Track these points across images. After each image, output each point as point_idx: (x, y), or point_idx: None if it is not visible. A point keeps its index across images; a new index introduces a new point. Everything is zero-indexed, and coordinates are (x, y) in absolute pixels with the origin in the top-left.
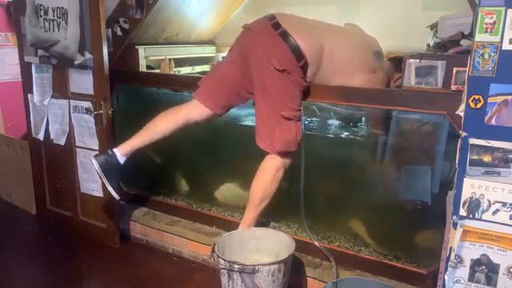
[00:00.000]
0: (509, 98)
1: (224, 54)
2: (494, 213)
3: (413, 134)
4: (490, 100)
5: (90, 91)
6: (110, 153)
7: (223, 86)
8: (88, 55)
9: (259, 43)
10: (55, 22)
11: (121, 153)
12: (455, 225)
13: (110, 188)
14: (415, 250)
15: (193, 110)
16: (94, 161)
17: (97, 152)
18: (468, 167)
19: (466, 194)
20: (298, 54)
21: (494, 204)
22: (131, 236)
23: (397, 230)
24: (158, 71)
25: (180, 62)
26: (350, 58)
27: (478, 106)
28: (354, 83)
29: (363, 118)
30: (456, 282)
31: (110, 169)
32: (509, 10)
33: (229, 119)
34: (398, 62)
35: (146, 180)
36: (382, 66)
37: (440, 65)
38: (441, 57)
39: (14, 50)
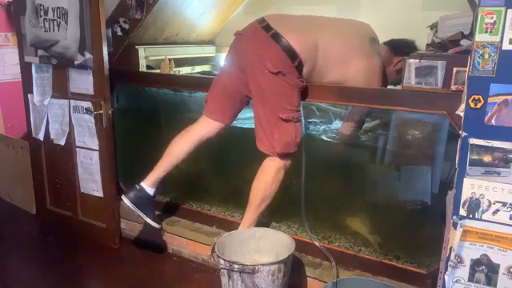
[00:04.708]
0: (509, 98)
1: (224, 54)
2: (494, 213)
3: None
4: (490, 100)
5: (90, 91)
6: (138, 187)
7: (226, 97)
8: (88, 55)
9: (252, 48)
10: (55, 22)
11: (148, 185)
12: (455, 225)
13: (148, 220)
14: (415, 250)
15: (203, 128)
16: (125, 199)
17: (97, 150)
18: (468, 167)
19: (465, 193)
20: (291, 55)
21: (494, 204)
22: (131, 236)
23: (397, 230)
24: (158, 71)
25: (180, 62)
26: (346, 47)
27: (478, 106)
28: (350, 72)
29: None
30: (456, 281)
31: (143, 202)
32: (509, 10)
33: None
34: (394, 46)
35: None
36: (379, 51)
37: (440, 65)
38: (441, 57)
39: (14, 50)
